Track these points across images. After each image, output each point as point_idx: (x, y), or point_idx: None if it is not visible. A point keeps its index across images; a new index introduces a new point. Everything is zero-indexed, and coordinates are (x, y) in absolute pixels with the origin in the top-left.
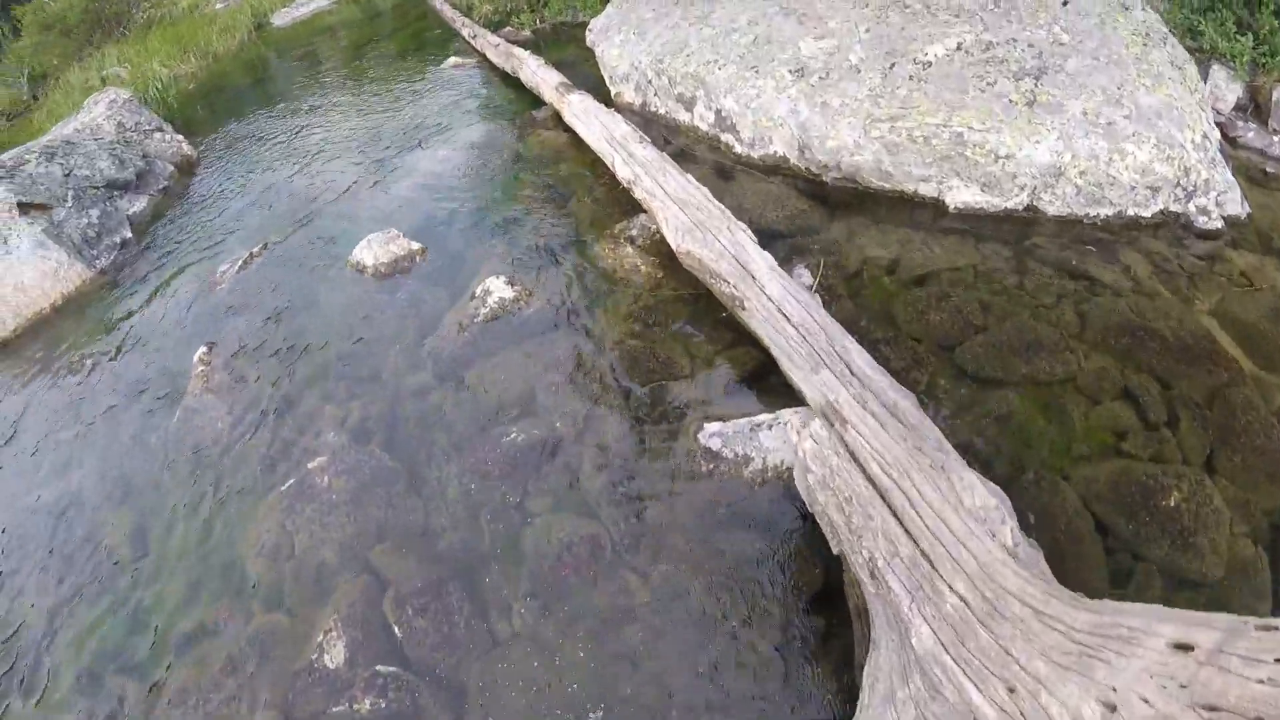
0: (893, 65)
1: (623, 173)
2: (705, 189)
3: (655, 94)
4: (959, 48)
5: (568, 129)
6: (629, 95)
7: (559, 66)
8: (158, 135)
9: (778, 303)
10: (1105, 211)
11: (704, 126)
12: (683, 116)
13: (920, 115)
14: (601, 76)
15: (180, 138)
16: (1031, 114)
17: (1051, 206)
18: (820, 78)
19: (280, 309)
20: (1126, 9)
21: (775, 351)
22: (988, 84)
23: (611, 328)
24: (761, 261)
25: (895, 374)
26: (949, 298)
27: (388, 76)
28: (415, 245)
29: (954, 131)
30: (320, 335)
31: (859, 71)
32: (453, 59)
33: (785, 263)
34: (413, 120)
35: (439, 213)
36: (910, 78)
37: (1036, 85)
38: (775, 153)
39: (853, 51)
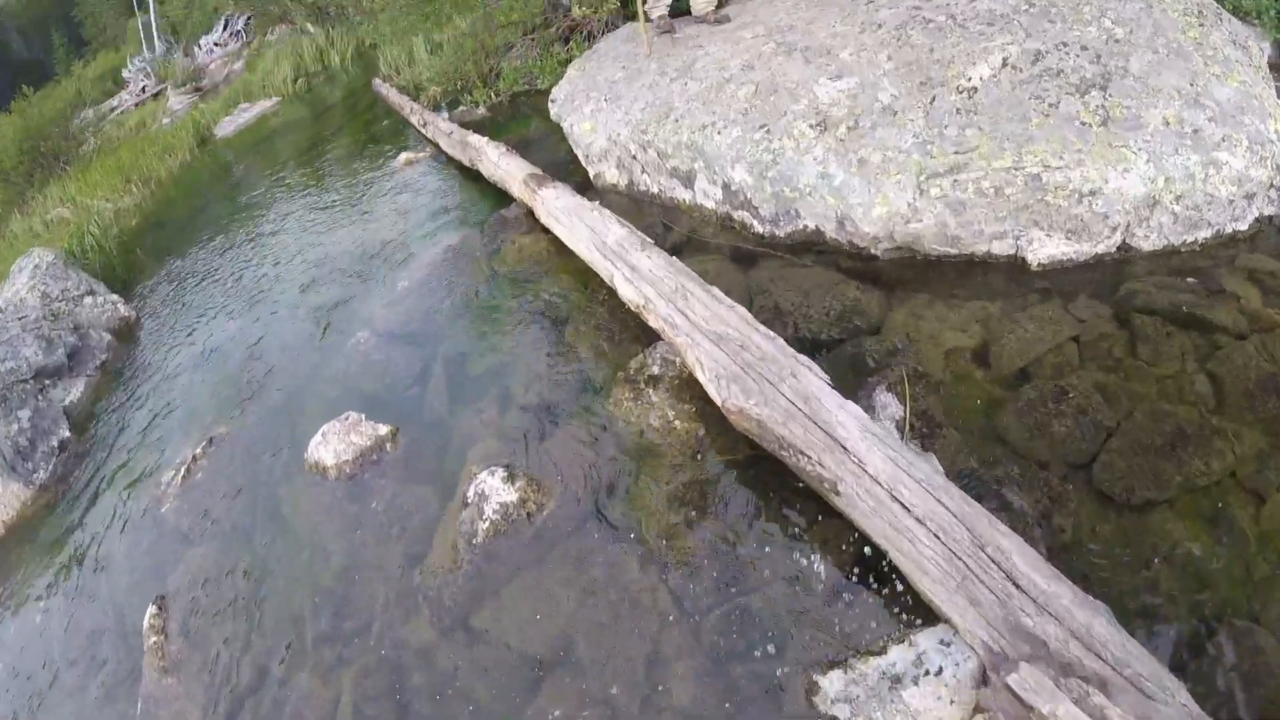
0: (933, 99)
1: (627, 294)
2: (741, 308)
3: (644, 171)
4: (1005, 64)
5: (547, 229)
6: (611, 175)
7: (524, 146)
8: (89, 300)
9: (888, 486)
10: (1204, 234)
11: (710, 204)
12: (682, 195)
13: (984, 160)
14: (574, 154)
15: (116, 298)
16: (1109, 135)
17: (1146, 242)
18: (849, 128)
19: (234, 535)
20: None
21: (896, 557)
22: (1050, 105)
23: (653, 524)
24: (850, 422)
25: (1027, 532)
26: (1067, 395)
27: (336, 185)
28: (382, 429)
29: (1029, 174)
30: (287, 570)
31: (895, 114)
32: (404, 155)
33: (853, 390)
34: (366, 240)
35: (406, 370)
36: (957, 111)
37: (1105, 97)
38: (806, 227)
39: (880, 89)
